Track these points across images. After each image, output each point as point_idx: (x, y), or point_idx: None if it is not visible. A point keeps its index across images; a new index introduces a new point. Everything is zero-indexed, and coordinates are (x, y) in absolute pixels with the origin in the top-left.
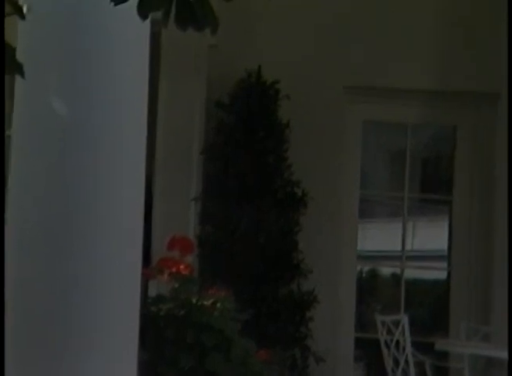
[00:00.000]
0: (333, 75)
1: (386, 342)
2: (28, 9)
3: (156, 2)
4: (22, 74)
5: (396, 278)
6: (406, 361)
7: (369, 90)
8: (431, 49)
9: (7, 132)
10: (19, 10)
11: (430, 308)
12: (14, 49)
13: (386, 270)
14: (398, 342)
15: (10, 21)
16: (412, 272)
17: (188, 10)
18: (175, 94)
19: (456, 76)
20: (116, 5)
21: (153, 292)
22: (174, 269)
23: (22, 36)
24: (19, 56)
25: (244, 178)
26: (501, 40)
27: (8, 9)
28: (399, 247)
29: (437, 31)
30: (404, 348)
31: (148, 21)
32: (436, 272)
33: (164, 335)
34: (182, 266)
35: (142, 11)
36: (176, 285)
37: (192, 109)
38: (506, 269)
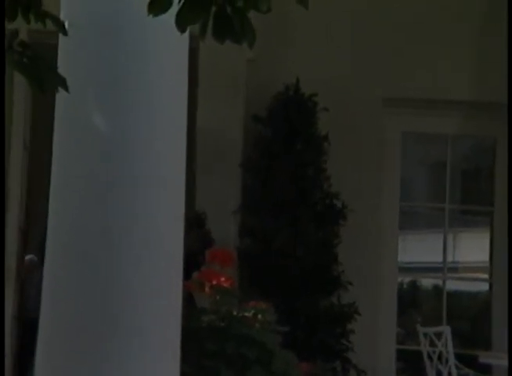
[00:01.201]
0: (372, 87)
1: (429, 354)
2: (70, 25)
3: (194, 14)
4: (66, 88)
5: (438, 290)
6: (449, 373)
7: (408, 102)
8: (471, 60)
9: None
10: (61, 26)
11: (473, 319)
12: (56, 64)
13: (427, 282)
14: (440, 354)
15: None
16: (453, 284)
17: (226, 23)
18: (214, 108)
19: (495, 87)
20: (155, 16)
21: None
22: (215, 282)
23: (62, 52)
24: (61, 71)
25: (283, 191)
26: None
27: (49, 24)
28: (440, 259)
29: (476, 41)
30: (447, 360)
31: (186, 35)
32: (478, 284)
33: (205, 347)
34: (222, 279)
35: (180, 23)
36: (217, 297)
37: (231, 123)
38: None
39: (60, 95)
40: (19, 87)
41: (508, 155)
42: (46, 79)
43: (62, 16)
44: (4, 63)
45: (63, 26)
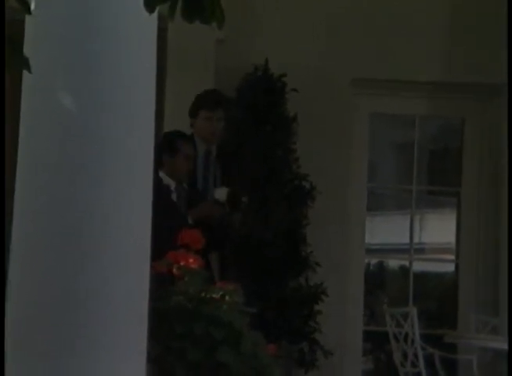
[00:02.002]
0: (340, 68)
1: (395, 335)
2: (36, 6)
3: None
4: (28, 69)
5: (404, 271)
6: (415, 354)
7: (376, 82)
8: (439, 41)
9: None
10: (25, 6)
11: (439, 300)
12: (21, 44)
13: (394, 263)
14: (407, 335)
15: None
16: (420, 265)
17: (195, 3)
18: (183, 88)
19: (463, 67)
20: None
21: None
22: (183, 263)
23: (29, 31)
24: (26, 51)
25: (252, 172)
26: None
27: (14, 3)
28: (407, 240)
29: (444, 22)
30: (413, 341)
31: (155, 16)
32: (444, 265)
33: (172, 328)
34: (191, 260)
35: (149, 4)
36: (185, 279)
37: None
38: None
39: (27, 80)
40: None
41: (508, 154)
42: (10, 60)
43: None
44: (4, 63)
45: (28, 5)
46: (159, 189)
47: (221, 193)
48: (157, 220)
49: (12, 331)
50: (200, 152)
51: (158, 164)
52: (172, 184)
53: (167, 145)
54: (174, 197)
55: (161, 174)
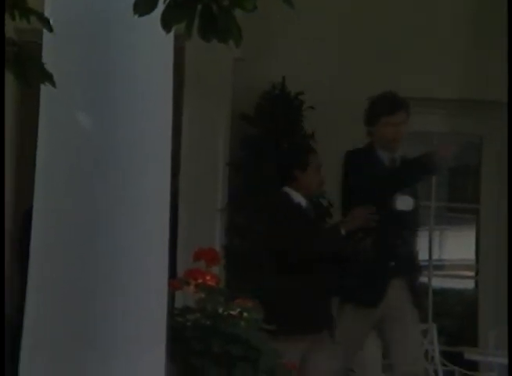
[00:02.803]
0: (358, 86)
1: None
2: (55, 21)
3: (180, 14)
4: (53, 84)
5: (423, 287)
6: (435, 370)
7: None
8: (458, 58)
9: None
10: (46, 23)
11: (459, 317)
12: (41, 60)
13: None
14: (426, 352)
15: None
16: (439, 282)
17: (211, 21)
18: (200, 107)
19: (482, 85)
20: (140, 16)
21: (179, 303)
22: (200, 280)
23: (46, 49)
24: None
25: (270, 189)
26: None
27: (33, 20)
28: (426, 257)
29: (463, 39)
30: (433, 358)
31: (172, 35)
32: (464, 281)
33: (190, 346)
34: (208, 277)
35: (166, 23)
36: (202, 296)
37: (217, 121)
38: None
39: (45, 94)
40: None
41: (508, 156)
42: (31, 75)
43: (47, 13)
44: (4, 63)
45: (48, 22)
46: (290, 206)
47: (405, 203)
48: (290, 237)
49: (28, 333)
50: (383, 161)
51: (284, 180)
52: (301, 199)
53: (296, 159)
54: (307, 213)
55: (287, 189)
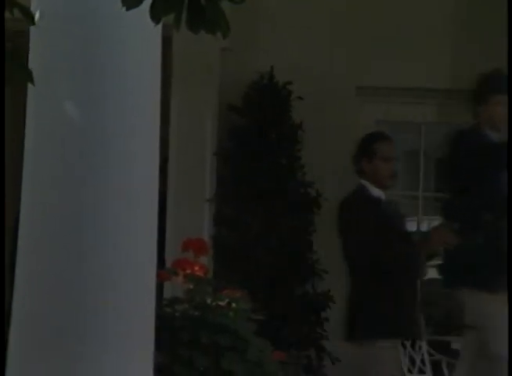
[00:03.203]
0: (346, 75)
1: (402, 342)
2: (41, 16)
3: (168, 6)
4: (31, 81)
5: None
6: (423, 360)
7: (381, 90)
8: (445, 47)
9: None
10: (29, 16)
11: (446, 306)
12: (27, 56)
13: None
14: (414, 341)
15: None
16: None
17: (199, 13)
18: (188, 97)
19: (469, 74)
20: (128, 9)
21: (168, 294)
22: (188, 271)
23: (33, 41)
24: (31, 63)
25: (257, 180)
26: None
27: (18, 14)
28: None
29: (451, 29)
30: (420, 347)
31: (159, 26)
32: None
33: (179, 336)
34: (196, 268)
35: (155, 15)
36: (191, 286)
37: (205, 112)
38: None
39: (32, 88)
40: None
41: (508, 154)
42: (11, 72)
43: (33, 6)
44: (4, 63)
45: (31, 15)
46: (368, 200)
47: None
48: (369, 233)
49: (14, 331)
50: (494, 141)
51: (359, 172)
52: (380, 193)
53: (363, 149)
54: (386, 208)
55: (363, 182)
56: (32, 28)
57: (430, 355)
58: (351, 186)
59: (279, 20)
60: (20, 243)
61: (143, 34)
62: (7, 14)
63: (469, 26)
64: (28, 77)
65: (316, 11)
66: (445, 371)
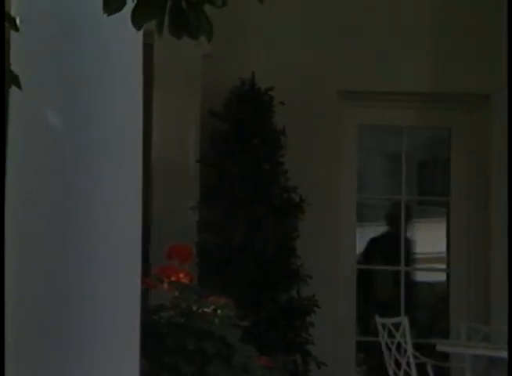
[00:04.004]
0: (327, 80)
1: (387, 345)
2: (21, 21)
3: (150, 11)
4: (19, 86)
5: (396, 280)
6: (408, 363)
7: (363, 94)
8: (425, 51)
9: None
10: (12, 21)
11: (431, 309)
12: (8, 61)
13: (385, 273)
14: (399, 344)
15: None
16: (411, 275)
17: (181, 18)
18: (170, 104)
19: (449, 78)
20: (109, 15)
21: (153, 301)
22: (173, 278)
23: (16, 48)
24: (13, 67)
25: (240, 186)
26: (496, 41)
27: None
28: (398, 250)
29: (430, 33)
30: (405, 350)
31: (141, 32)
32: (435, 274)
33: (165, 343)
34: (181, 275)
35: (136, 21)
36: (176, 293)
37: (187, 118)
38: (504, 269)
39: (14, 94)
40: None
41: (508, 155)
42: None
43: (13, 12)
44: (4, 62)
45: (14, 21)
46: None
47: None
48: None
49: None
50: None
51: None
52: None
53: None
54: None
55: None
56: (13, 34)
57: (416, 358)
58: (332, 190)
59: (260, 25)
60: (8, 247)
61: (125, 40)
62: None
63: (451, 29)
64: (15, 81)
65: (298, 16)
66: (431, 374)
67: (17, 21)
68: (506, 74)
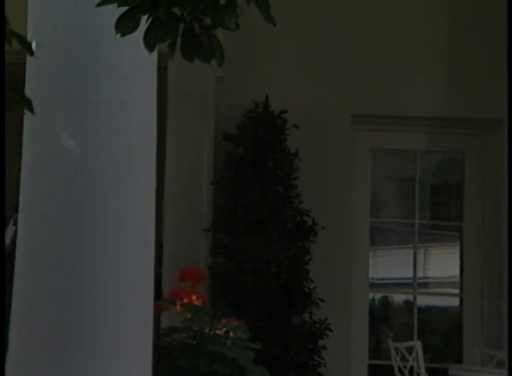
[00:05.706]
0: (341, 104)
1: (400, 369)
2: (37, 46)
3: (162, 33)
4: (31, 110)
5: (409, 305)
6: None
7: (376, 118)
8: (439, 76)
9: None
10: (27, 46)
11: (444, 334)
12: (23, 86)
13: (398, 297)
14: (412, 369)
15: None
16: (424, 299)
17: (194, 41)
18: (183, 126)
19: (462, 102)
20: (123, 35)
21: (165, 323)
22: (186, 300)
23: (29, 72)
24: (27, 92)
25: (254, 209)
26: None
27: (16, 44)
28: (411, 274)
29: (444, 58)
30: (418, 374)
31: (155, 55)
32: (449, 299)
33: (177, 365)
34: (194, 297)
35: (149, 43)
36: (189, 315)
37: (201, 141)
38: None
39: (28, 116)
40: None
41: (508, 157)
42: (10, 100)
43: (29, 36)
44: (3, 62)
45: (30, 46)
46: None
47: None
48: None
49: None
50: None
51: None
52: None
53: None
54: None
55: None
56: (28, 59)
57: None
58: (345, 213)
59: (273, 49)
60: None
61: (139, 63)
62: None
63: (464, 55)
64: (28, 106)
65: (311, 39)
66: None
67: (33, 46)
68: None
